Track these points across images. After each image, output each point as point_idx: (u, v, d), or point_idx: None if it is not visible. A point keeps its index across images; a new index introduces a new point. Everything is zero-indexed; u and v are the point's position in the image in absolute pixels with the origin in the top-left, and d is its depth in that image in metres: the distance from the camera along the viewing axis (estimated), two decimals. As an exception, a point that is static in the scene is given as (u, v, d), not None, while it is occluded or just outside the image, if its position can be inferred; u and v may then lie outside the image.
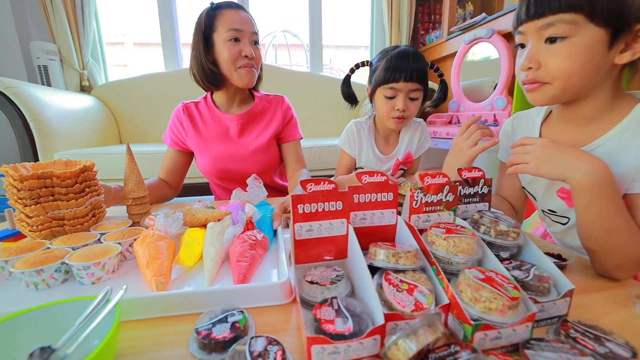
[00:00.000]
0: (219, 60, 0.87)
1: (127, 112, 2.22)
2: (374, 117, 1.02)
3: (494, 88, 1.58)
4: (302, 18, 2.55)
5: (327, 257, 0.42)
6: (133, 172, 0.63)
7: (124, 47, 3.43)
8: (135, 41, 3.39)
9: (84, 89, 2.24)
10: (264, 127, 0.97)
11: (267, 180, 1.03)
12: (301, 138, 1.05)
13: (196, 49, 0.88)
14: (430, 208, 0.43)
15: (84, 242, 0.51)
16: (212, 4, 0.89)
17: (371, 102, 0.95)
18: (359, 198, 0.42)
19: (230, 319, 0.33)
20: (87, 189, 0.56)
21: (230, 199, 0.71)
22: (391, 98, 0.86)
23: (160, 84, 2.24)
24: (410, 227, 0.40)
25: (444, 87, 0.93)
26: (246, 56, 0.85)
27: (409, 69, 0.81)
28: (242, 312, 0.34)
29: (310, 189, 0.39)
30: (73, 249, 0.49)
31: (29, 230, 0.52)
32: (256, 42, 0.89)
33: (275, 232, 0.60)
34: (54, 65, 2.11)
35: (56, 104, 1.70)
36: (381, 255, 0.37)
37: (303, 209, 0.39)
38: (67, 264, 0.44)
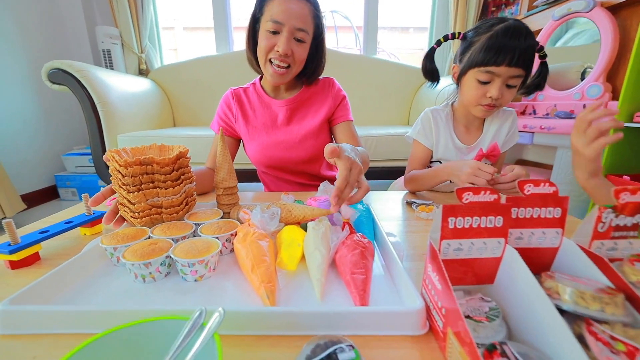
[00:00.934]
0: (258, 48, 0.82)
1: (180, 95, 2.26)
2: (452, 103, 0.92)
3: (582, 74, 1.38)
4: (354, -2, 2.42)
5: (468, 281, 0.36)
6: (226, 161, 0.60)
7: (174, 31, 3.51)
8: (185, 25, 3.44)
9: (141, 72, 2.31)
10: (314, 111, 0.92)
11: (315, 170, 0.98)
12: (352, 120, 0.96)
13: (247, 30, 0.85)
14: (620, 233, 0.34)
15: (182, 233, 0.49)
16: None
17: (457, 83, 0.84)
18: (517, 213, 0.35)
19: (341, 357, 0.27)
20: (182, 177, 0.54)
21: (273, 189, 0.67)
22: (485, 83, 0.75)
23: (212, 67, 2.25)
24: (595, 257, 0.32)
25: (545, 72, 0.80)
26: (278, 52, 0.77)
27: (517, 50, 0.69)
28: (351, 346, 0.28)
29: (467, 200, 0.32)
30: (173, 240, 0.47)
31: (131, 217, 0.51)
32: (300, 40, 0.78)
33: (374, 234, 0.54)
34: (116, 49, 2.19)
35: (119, 87, 1.76)
36: (570, 294, 0.29)
37: (455, 223, 0.33)
38: (172, 258, 0.41)
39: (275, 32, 0.77)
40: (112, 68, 2.19)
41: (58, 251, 0.53)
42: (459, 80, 0.82)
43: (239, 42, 2.45)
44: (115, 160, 0.48)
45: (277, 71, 0.80)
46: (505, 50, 0.70)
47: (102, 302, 0.39)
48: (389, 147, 1.64)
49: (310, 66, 0.87)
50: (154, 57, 2.38)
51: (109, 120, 1.62)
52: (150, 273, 0.42)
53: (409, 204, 0.79)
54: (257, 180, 1.14)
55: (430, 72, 0.88)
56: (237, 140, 0.98)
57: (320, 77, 0.95)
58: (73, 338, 0.33)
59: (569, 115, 1.41)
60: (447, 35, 0.84)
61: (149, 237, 0.49)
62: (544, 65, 0.80)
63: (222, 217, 0.58)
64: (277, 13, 0.75)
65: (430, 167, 0.95)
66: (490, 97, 0.75)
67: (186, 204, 0.56)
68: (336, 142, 0.95)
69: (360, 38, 2.51)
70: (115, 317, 0.33)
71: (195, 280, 0.43)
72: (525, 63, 0.71)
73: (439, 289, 0.32)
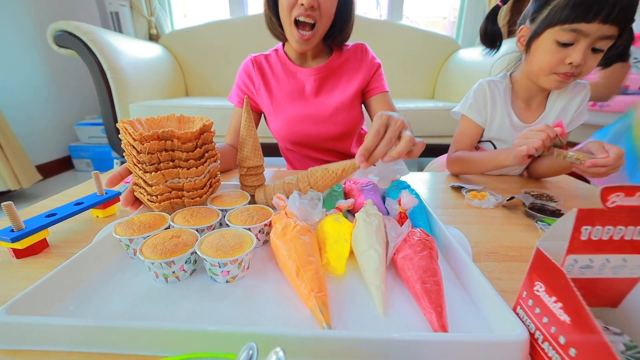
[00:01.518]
0: (280, 6, 0.71)
1: (193, 63, 2.14)
2: (510, 75, 0.79)
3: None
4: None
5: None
6: (250, 135, 0.51)
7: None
8: None
9: (152, 38, 2.18)
10: (346, 81, 0.81)
11: (345, 148, 0.89)
12: (386, 91, 0.85)
13: None
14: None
15: (208, 222, 0.41)
16: None
17: (525, 49, 0.71)
18: (590, 233, 0.25)
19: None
20: (205, 154, 0.46)
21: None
22: (566, 45, 0.62)
23: (226, 32, 2.10)
24: None
25: (630, 38, 0.66)
26: (303, 4, 0.66)
27: (617, 2, 0.56)
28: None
29: (614, 203, 0.23)
30: (198, 231, 0.40)
31: (148, 200, 0.43)
32: None
33: (430, 228, 0.46)
34: (124, 12, 2.05)
35: (129, 52, 1.65)
36: None
37: (590, 233, 0.24)
38: (204, 258, 0.34)
39: None
40: (120, 32, 2.07)
41: (68, 236, 0.47)
42: (528, 44, 0.69)
43: (254, 4, 2.27)
44: (129, 133, 0.40)
45: (302, 36, 0.70)
46: (601, 1, 0.56)
47: (120, 309, 0.32)
48: (418, 123, 1.52)
49: (338, 23, 0.75)
50: (164, 21, 2.23)
51: (119, 88, 1.53)
52: (173, 272, 0.35)
53: (456, 188, 0.70)
54: (279, 155, 1.05)
55: (491, 36, 0.75)
56: (258, 114, 0.89)
57: (350, 42, 0.83)
58: (88, 358, 0.27)
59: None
60: None
61: (169, 226, 0.41)
62: (629, 31, 0.66)
63: (250, 202, 0.50)
64: None
65: (479, 147, 0.84)
66: (570, 63, 0.62)
67: (210, 186, 0.48)
68: (372, 115, 0.86)
69: (383, 2, 2.30)
70: (139, 336, 0.27)
71: (227, 282, 0.35)
72: (623, 20, 0.57)
73: (564, 320, 0.24)
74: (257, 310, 0.32)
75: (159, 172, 0.41)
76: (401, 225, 0.42)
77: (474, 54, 1.76)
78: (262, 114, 0.89)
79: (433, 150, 1.59)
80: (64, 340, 0.28)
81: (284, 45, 0.83)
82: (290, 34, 0.71)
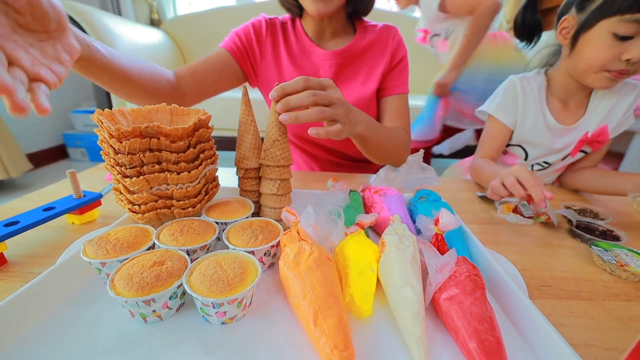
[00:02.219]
0: None
1: (195, 50, 2.04)
2: (545, 71, 0.71)
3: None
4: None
5: None
6: (249, 131, 0.43)
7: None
8: None
9: (153, 23, 2.08)
10: (367, 72, 0.70)
11: (356, 150, 0.71)
12: (406, 92, 0.73)
13: None
14: None
15: (202, 241, 0.33)
16: None
17: (571, 42, 0.62)
18: None
19: None
20: (200, 155, 0.37)
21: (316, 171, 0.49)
22: (625, 39, 0.54)
23: (231, 19, 2.00)
24: None
25: None
26: None
27: None
28: None
29: None
30: (189, 253, 0.32)
31: (130, 209, 0.35)
32: None
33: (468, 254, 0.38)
34: (124, -7, 1.95)
35: (127, 36, 1.56)
36: None
37: None
38: (195, 297, 0.26)
39: None
40: (119, 14, 1.97)
41: (33, 249, 0.39)
42: (574, 37, 0.60)
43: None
44: (105, 128, 0.31)
45: None
46: None
47: (79, 362, 0.24)
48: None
49: None
50: (167, 6, 2.13)
51: (116, 75, 1.44)
52: (154, 311, 0.27)
53: (484, 198, 0.62)
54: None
55: (531, 27, 0.66)
56: (237, 78, 0.72)
57: (380, 23, 0.72)
58: None
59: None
60: None
61: (153, 245, 0.33)
62: None
63: (253, 213, 0.42)
64: None
65: (507, 152, 0.76)
66: (627, 59, 0.53)
67: (206, 193, 0.40)
68: (380, 115, 0.74)
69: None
70: None
71: (223, 323, 0.28)
72: None
73: None
74: None
75: (141, 176, 0.33)
76: (439, 251, 0.34)
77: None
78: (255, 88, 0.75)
79: (465, 152, 1.49)
80: None
81: (301, 17, 0.71)
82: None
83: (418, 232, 0.41)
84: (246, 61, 0.71)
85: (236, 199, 0.44)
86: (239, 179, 0.45)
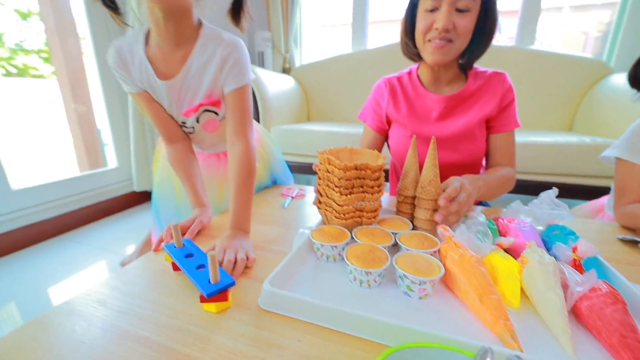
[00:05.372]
0: (416, 31, 0.74)
1: (316, 91, 2.42)
2: None
3: None
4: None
5: None
6: (413, 169, 0.60)
7: (311, 28, 3.75)
8: (322, 23, 3.59)
9: (284, 70, 2.57)
10: (476, 109, 0.78)
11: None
12: (517, 127, 0.80)
13: (403, 18, 0.78)
14: None
15: (386, 242, 0.50)
16: None
17: None
18: None
19: None
20: (381, 183, 0.55)
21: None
22: None
23: (347, 65, 2.32)
24: None
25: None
26: (437, 29, 0.68)
27: None
28: None
29: None
30: (388, 250, 0.48)
31: (335, 217, 0.55)
32: (463, 10, 0.67)
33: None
34: (267, 51, 2.48)
35: (272, 84, 1.99)
36: None
37: None
38: (405, 275, 0.42)
39: (433, 10, 0.69)
40: (263, 66, 2.51)
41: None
42: None
43: (373, 40, 2.45)
44: (331, 163, 0.52)
45: (437, 45, 0.70)
46: None
47: (338, 300, 0.42)
48: (556, 160, 1.37)
49: (476, 39, 0.72)
50: (296, 55, 2.61)
51: (266, 114, 1.85)
52: (367, 280, 0.44)
53: (628, 242, 0.63)
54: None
55: None
56: (384, 138, 0.93)
57: (491, 70, 0.81)
58: (334, 334, 0.37)
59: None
60: None
61: (351, 239, 0.52)
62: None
63: (412, 228, 0.57)
64: None
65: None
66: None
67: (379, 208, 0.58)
68: (488, 151, 0.83)
69: (511, 25, 2.17)
70: (379, 328, 0.36)
71: (420, 298, 0.43)
72: None
73: None
74: (451, 327, 0.38)
75: (352, 195, 0.52)
76: (577, 273, 0.42)
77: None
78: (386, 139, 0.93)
79: (577, 192, 1.40)
80: (303, 313, 0.39)
81: (418, 68, 0.85)
82: (425, 50, 0.73)
83: (555, 257, 0.49)
84: (380, 123, 0.89)
85: (397, 217, 0.60)
86: (398, 202, 0.61)
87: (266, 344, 0.35)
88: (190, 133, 0.79)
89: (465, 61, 0.78)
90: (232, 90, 0.67)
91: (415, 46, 0.77)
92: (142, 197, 1.88)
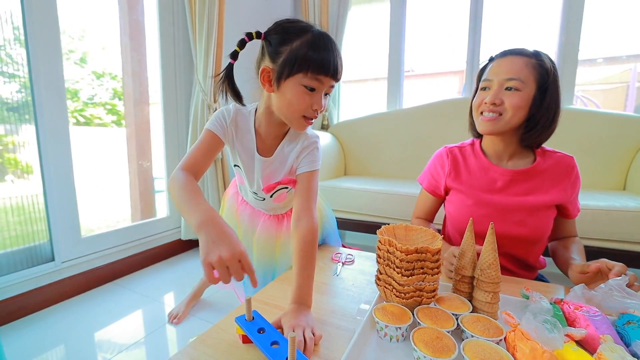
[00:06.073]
0: (473, 105, 0.84)
1: (352, 148, 2.54)
2: None
3: None
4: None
5: None
6: (470, 250, 0.61)
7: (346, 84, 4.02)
8: (356, 78, 3.77)
9: (323, 127, 2.74)
10: (544, 188, 0.81)
11: (524, 254, 0.85)
12: (579, 213, 0.87)
13: (474, 88, 0.87)
14: None
15: (448, 325, 0.51)
16: (491, 58, 0.83)
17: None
18: None
19: None
20: (440, 264, 0.57)
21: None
22: None
23: (382, 123, 2.44)
24: None
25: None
26: (486, 103, 0.78)
27: None
28: None
29: None
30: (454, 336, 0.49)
31: (395, 295, 0.57)
32: (512, 88, 0.76)
33: None
34: (308, 109, 2.69)
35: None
36: None
37: None
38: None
39: (485, 89, 0.80)
40: (303, 124, 2.71)
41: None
42: None
43: (408, 100, 2.59)
44: (394, 246, 0.56)
45: (486, 117, 0.78)
46: None
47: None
48: (612, 225, 1.30)
49: (533, 119, 0.77)
50: (334, 114, 2.80)
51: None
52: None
53: None
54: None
55: None
56: (440, 201, 0.98)
57: (560, 152, 0.84)
58: None
59: None
60: None
61: (412, 321, 0.53)
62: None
63: (472, 311, 0.57)
64: (488, 74, 0.80)
65: None
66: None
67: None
68: (555, 228, 0.86)
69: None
70: None
71: None
72: None
73: None
74: None
75: (413, 276, 0.55)
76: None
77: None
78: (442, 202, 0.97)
79: (633, 259, 1.30)
80: None
81: (481, 141, 0.90)
82: (477, 121, 0.82)
83: (634, 356, 0.47)
84: (436, 189, 0.95)
85: (455, 295, 0.61)
86: (455, 281, 0.63)
87: None
88: (257, 199, 0.89)
89: (528, 139, 0.81)
90: (305, 172, 0.77)
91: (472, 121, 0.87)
92: (188, 245, 1.99)
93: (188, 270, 1.72)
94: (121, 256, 1.64)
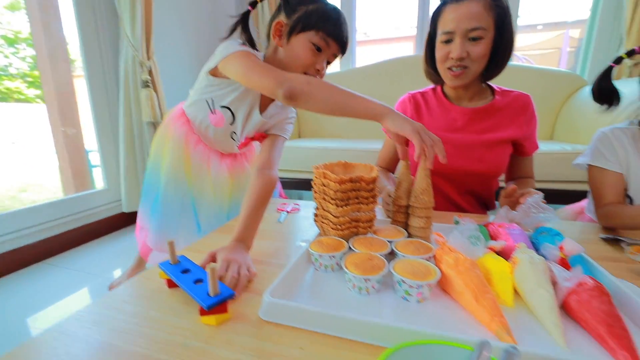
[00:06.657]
0: (436, 61, 0.82)
1: (305, 111, 2.47)
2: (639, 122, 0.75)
3: None
4: None
5: None
6: (406, 180, 0.61)
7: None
8: None
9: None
10: (501, 125, 0.84)
11: (481, 191, 0.91)
12: (537, 149, 0.90)
13: (424, 49, 0.87)
14: None
15: (382, 250, 0.51)
16: (444, 0, 0.80)
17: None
18: None
19: None
20: (375, 194, 0.57)
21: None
22: None
23: (335, 83, 2.38)
24: None
25: None
26: (452, 58, 0.76)
27: None
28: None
29: None
30: (385, 258, 0.49)
31: (331, 228, 0.56)
32: (476, 38, 0.74)
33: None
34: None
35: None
36: None
37: None
38: (403, 280, 0.43)
39: (448, 41, 0.77)
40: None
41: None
42: None
43: (361, 59, 2.54)
44: (328, 178, 0.54)
45: (454, 72, 0.78)
46: None
47: (338, 307, 0.43)
48: (540, 167, 1.42)
49: (494, 59, 0.78)
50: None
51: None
52: (366, 287, 0.45)
53: (610, 241, 0.66)
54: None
55: (608, 95, 0.72)
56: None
57: (515, 91, 0.87)
58: (336, 340, 0.37)
59: None
60: (635, 49, 0.67)
61: (349, 249, 0.52)
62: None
63: (407, 237, 0.59)
64: (446, 23, 0.76)
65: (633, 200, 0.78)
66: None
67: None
68: (512, 168, 0.92)
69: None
70: (380, 331, 0.36)
71: (418, 302, 0.43)
72: None
73: None
74: (450, 327, 0.39)
75: (347, 206, 0.53)
76: (566, 272, 0.44)
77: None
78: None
79: (559, 197, 1.45)
80: (305, 321, 0.39)
81: (442, 86, 0.91)
82: (445, 76, 0.81)
83: (543, 257, 0.51)
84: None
85: (392, 226, 0.62)
86: (392, 212, 0.63)
87: (268, 354, 0.35)
88: (221, 139, 0.90)
89: (485, 78, 0.85)
90: (278, 134, 0.85)
91: (437, 73, 0.84)
92: (131, 219, 1.85)
93: (134, 243, 1.61)
94: (52, 233, 1.48)
